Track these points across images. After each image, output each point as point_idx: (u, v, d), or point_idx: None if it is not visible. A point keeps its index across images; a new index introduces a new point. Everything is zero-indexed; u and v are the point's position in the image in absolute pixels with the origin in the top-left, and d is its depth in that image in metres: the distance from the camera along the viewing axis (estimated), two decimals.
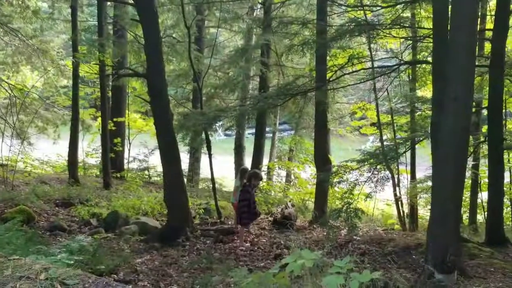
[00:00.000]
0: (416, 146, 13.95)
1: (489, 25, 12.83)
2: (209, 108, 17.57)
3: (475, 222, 15.14)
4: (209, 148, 14.36)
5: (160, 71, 11.56)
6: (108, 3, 19.19)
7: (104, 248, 9.61)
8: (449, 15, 7.64)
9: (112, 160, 19.23)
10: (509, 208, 16.76)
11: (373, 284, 4.66)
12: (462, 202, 9.69)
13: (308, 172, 21.93)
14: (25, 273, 4.58)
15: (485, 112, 12.73)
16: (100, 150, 19.63)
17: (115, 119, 21.12)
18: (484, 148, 13.42)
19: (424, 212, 16.37)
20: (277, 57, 18.75)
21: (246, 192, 11.74)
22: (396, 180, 14.44)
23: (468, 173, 13.18)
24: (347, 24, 12.05)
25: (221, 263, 9.42)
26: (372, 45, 13.87)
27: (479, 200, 15.68)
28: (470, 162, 13.33)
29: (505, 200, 13.57)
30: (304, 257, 4.20)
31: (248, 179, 12.05)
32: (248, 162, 21.81)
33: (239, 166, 21.58)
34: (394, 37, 13.39)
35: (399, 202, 14.56)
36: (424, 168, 13.21)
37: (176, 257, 9.87)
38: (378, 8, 13.16)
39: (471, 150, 12.43)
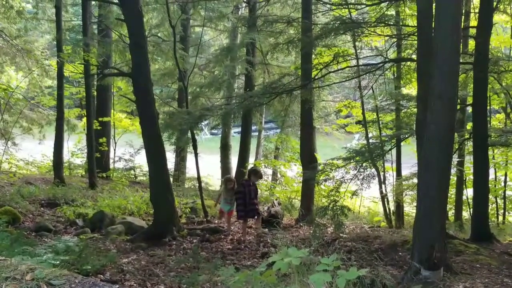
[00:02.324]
0: (402, 143, 14.01)
1: (473, 22, 12.92)
2: (195, 107, 17.57)
3: (461, 218, 15.23)
4: (195, 147, 14.35)
5: (145, 71, 11.53)
6: (93, 2, 19.13)
7: (90, 248, 9.55)
8: (433, 13, 7.68)
9: (98, 160, 19.15)
10: (494, 205, 16.87)
11: (360, 281, 4.68)
12: (448, 199, 9.73)
13: (294, 170, 21.96)
14: (11, 274, 4.55)
15: (470, 109, 12.81)
16: (86, 150, 19.56)
17: (100, 119, 21.03)
18: (469, 145, 13.50)
19: (410, 209, 16.45)
20: (263, 56, 18.77)
21: (241, 185, 12.20)
22: (382, 177, 14.52)
23: (453, 170, 13.26)
24: (332, 23, 12.08)
25: (208, 262, 9.41)
26: (357, 43, 13.94)
27: (464, 197, 15.78)
28: (455, 159, 13.41)
29: (490, 196, 13.66)
30: (291, 255, 4.20)
31: (248, 175, 12.55)
32: (234, 161, 21.82)
33: (226, 165, 21.63)
34: (379, 35, 13.44)
35: (385, 200, 14.63)
36: (410, 166, 13.28)
37: (163, 257, 9.84)
38: (362, 6, 13.22)
39: (456, 147, 12.50)
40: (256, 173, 12.59)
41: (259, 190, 14.18)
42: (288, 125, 22.99)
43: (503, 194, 17.14)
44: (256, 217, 12.51)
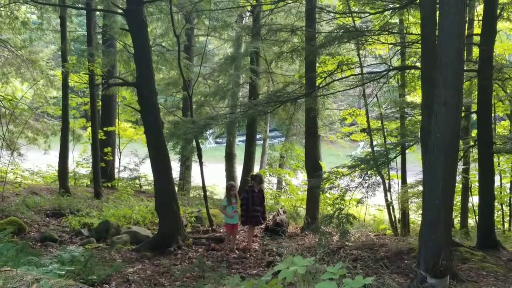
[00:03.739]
0: (406, 151, 13.99)
1: (477, 30, 12.90)
2: (200, 116, 17.56)
3: (467, 226, 15.18)
4: (199, 156, 14.37)
5: (149, 80, 11.56)
6: (97, 12, 19.20)
7: (96, 258, 9.56)
8: (437, 21, 7.68)
9: (103, 170, 19.19)
10: (499, 212, 16.81)
11: None
12: (453, 206, 9.70)
13: (299, 179, 21.93)
14: (17, 284, 4.55)
15: (474, 116, 12.79)
16: (91, 160, 19.60)
17: (105, 129, 21.10)
18: (474, 152, 13.49)
19: (415, 217, 16.40)
20: (267, 65, 18.77)
21: (245, 192, 12.20)
22: (387, 185, 14.47)
23: (458, 178, 13.23)
24: (336, 31, 12.09)
25: (213, 271, 9.41)
26: (361, 52, 13.92)
27: (470, 204, 15.72)
28: (460, 167, 13.38)
29: (495, 204, 13.62)
30: (297, 263, 4.19)
31: (250, 182, 12.48)
32: (239, 170, 21.81)
33: (231, 174, 21.59)
34: (383, 43, 13.44)
35: (391, 207, 14.58)
36: (415, 173, 13.24)
37: (168, 266, 9.84)
38: (366, 14, 13.21)
39: (461, 155, 12.48)
40: (255, 178, 12.57)
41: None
42: (292, 134, 22.97)
43: (508, 201, 17.07)
44: (258, 224, 12.55)
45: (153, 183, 13.44)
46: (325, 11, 14.56)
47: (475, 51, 13.36)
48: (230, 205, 12.01)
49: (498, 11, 11.06)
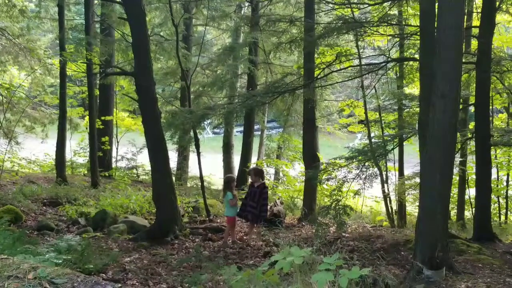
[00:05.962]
0: (404, 143, 13.99)
1: (476, 22, 12.89)
2: (197, 106, 17.56)
3: (463, 218, 15.22)
4: (197, 146, 14.35)
5: (147, 70, 11.53)
6: (96, 1, 19.13)
7: (93, 247, 9.57)
8: (436, 13, 7.67)
9: (100, 159, 19.16)
10: (496, 204, 16.85)
11: (362, 280, 4.67)
12: (450, 199, 9.71)
13: (296, 170, 21.94)
14: (13, 272, 4.55)
15: (472, 108, 12.79)
16: (88, 149, 19.58)
17: (103, 118, 21.05)
18: (472, 145, 13.50)
19: (412, 208, 16.43)
20: (265, 55, 18.76)
21: (248, 187, 12.11)
22: (384, 177, 14.49)
23: (455, 170, 13.24)
24: (334, 22, 12.06)
25: (210, 261, 9.42)
26: (359, 43, 13.91)
27: (466, 197, 15.77)
28: (457, 159, 13.40)
29: (492, 196, 13.65)
30: (294, 254, 4.20)
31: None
32: (236, 160, 21.83)
33: (228, 164, 21.58)
34: (382, 34, 13.40)
35: (388, 199, 14.60)
36: (412, 165, 13.26)
37: (165, 256, 9.84)
38: (365, 5, 13.19)
39: (459, 147, 12.48)
40: (248, 173, 12.48)
41: None
42: (290, 124, 22.99)
43: (505, 193, 17.12)
44: (250, 221, 11.98)
45: (150, 172, 13.43)
46: (324, 1, 14.48)
47: (474, 43, 13.35)
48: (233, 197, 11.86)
49: (497, 3, 11.04)
